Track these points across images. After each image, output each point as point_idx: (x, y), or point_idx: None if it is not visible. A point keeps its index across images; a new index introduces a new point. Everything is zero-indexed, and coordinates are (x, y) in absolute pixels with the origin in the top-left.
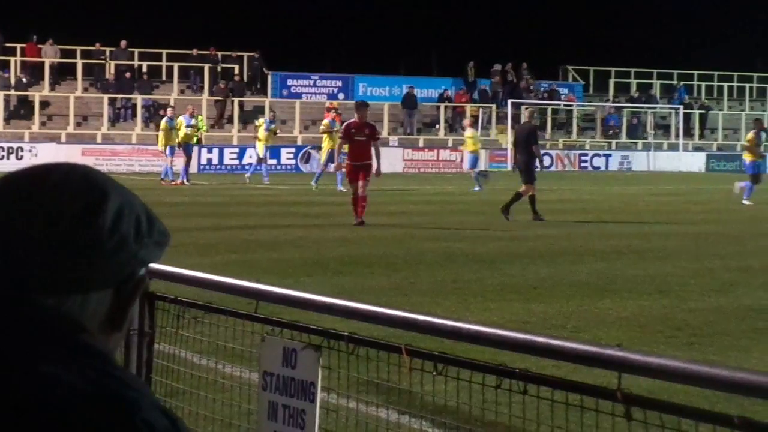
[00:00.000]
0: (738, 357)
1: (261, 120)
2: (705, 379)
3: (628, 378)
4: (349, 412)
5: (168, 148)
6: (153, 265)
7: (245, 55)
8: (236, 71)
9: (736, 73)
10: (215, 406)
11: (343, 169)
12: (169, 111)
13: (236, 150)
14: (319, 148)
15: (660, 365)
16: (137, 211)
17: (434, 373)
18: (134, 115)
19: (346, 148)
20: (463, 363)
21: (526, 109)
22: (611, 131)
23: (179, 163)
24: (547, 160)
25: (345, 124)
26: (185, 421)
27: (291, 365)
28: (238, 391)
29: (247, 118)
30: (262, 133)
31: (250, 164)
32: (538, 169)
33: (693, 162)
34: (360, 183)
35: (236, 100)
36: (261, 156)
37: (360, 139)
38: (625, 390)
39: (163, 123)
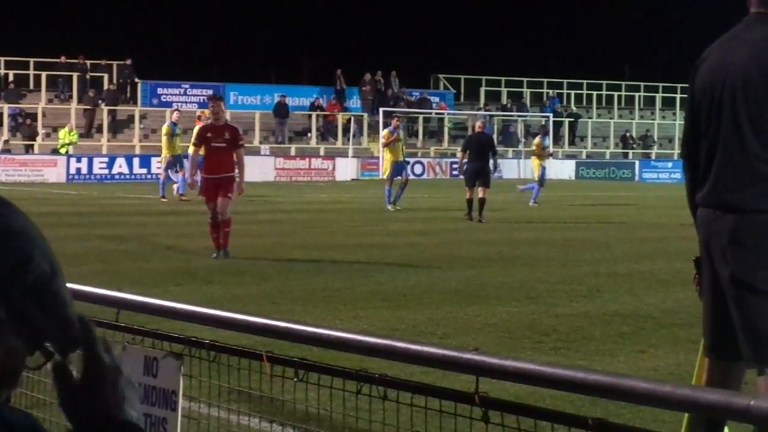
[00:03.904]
0: (603, 361)
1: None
2: (560, 382)
3: (496, 384)
4: (211, 420)
5: (172, 159)
6: None
7: (114, 63)
8: (106, 80)
9: (604, 82)
10: None
11: (197, 183)
12: (174, 115)
13: (106, 159)
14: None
15: (515, 368)
16: None
17: (295, 379)
18: (0, 124)
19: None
20: (324, 369)
21: (479, 119)
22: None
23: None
24: (418, 168)
25: (200, 126)
26: None
27: (152, 374)
28: None
29: (117, 127)
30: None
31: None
32: (494, 176)
33: (563, 169)
34: (219, 202)
35: (106, 109)
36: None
37: (218, 146)
38: (483, 394)
39: (165, 128)
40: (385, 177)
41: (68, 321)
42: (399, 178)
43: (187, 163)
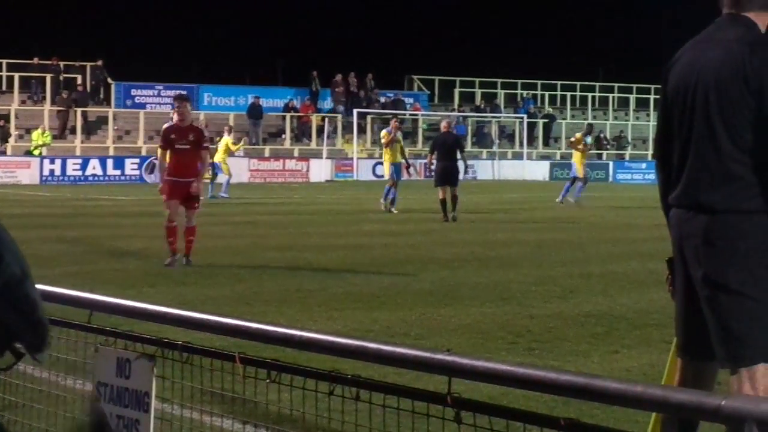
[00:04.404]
0: (577, 362)
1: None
2: (532, 382)
3: (470, 385)
4: (184, 421)
5: None
6: None
7: (88, 64)
8: (79, 81)
9: (578, 83)
10: (49, 419)
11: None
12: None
13: (79, 161)
14: None
15: (487, 369)
16: None
17: (267, 380)
18: None
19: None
20: (296, 370)
21: (444, 120)
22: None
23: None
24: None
25: (165, 128)
26: None
27: (125, 375)
28: (74, 403)
29: (91, 128)
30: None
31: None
32: (463, 175)
33: (537, 170)
34: (186, 214)
35: (79, 110)
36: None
37: (183, 148)
38: (455, 394)
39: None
40: (386, 177)
41: (38, 321)
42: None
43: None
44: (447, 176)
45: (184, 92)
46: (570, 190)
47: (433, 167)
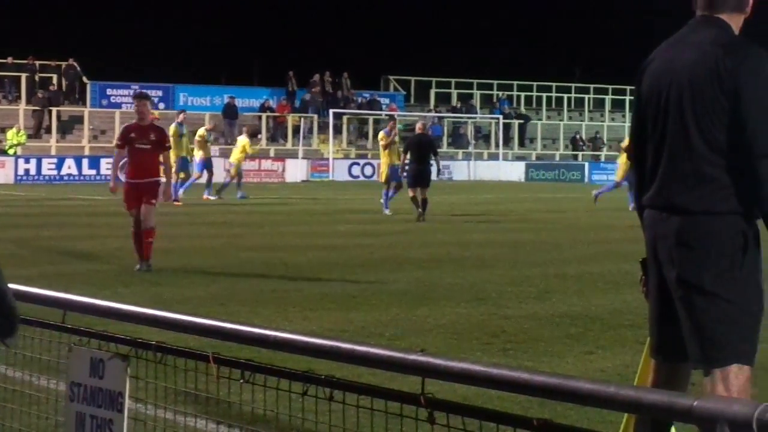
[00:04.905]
0: (551, 362)
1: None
2: (505, 382)
3: (445, 386)
4: (158, 421)
5: (179, 160)
6: None
7: (64, 64)
8: (54, 81)
9: (554, 84)
10: (23, 419)
11: (119, 186)
12: (180, 116)
13: (54, 161)
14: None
15: (461, 369)
16: None
17: (241, 380)
18: None
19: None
20: (270, 370)
21: (419, 121)
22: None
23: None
24: (368, 170)
25: (124, 126)
26: None
27: (99, 375)
28: (48, 404)
29: (66, 128)
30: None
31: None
32: (437, 177)
33: (512, 171)
34: (142, 210)
35: (54, 110)
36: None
37: (142, 148)
38: (428, 395)
39: (173, 129)
40: (382, 180)
41: (9, 307)
42: (393, 182)
43: (192, 167)
44: (419, 178)
45: (143, 90)
46: (609, 190)
47: (406, 167)
